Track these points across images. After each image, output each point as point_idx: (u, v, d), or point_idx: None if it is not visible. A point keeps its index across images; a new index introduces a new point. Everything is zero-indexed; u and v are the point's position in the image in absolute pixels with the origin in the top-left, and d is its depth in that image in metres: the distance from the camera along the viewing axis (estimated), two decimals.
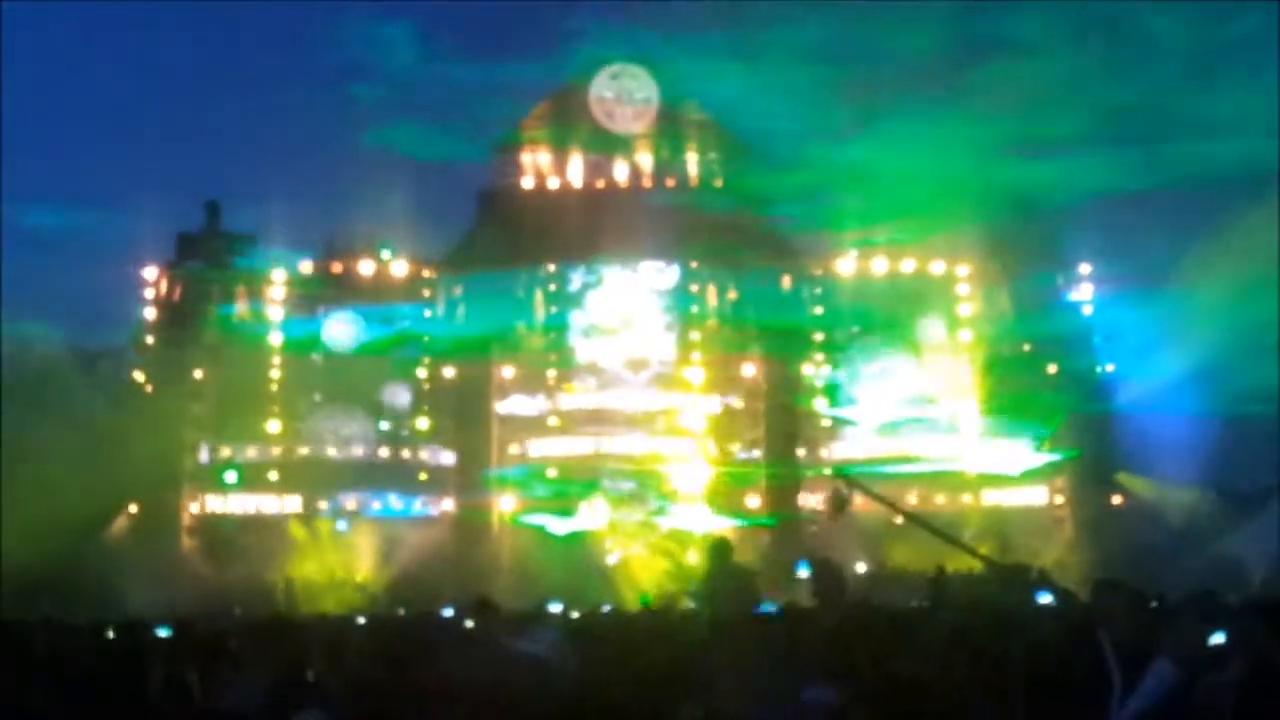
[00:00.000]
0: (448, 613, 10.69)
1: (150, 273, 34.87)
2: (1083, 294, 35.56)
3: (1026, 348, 34.86)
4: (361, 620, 16.71)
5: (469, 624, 9.67)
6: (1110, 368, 34.76)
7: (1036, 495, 34.68)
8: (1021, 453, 34.29)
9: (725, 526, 32.17)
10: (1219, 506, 31.72)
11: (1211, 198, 31.76)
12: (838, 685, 5.58)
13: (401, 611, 15.76)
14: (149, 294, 34.72)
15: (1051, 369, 34.73)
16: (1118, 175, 32.38)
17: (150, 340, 34.51)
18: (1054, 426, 34.19)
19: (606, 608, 15.44)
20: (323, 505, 34.51)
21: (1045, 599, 12.61)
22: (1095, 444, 33.91)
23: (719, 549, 12.07)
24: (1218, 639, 8.46)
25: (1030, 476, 34.39)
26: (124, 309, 34.70)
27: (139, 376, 34.43)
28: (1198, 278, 29.69)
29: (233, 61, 56.49)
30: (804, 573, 10.93)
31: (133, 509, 33.73)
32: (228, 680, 7.36)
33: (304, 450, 34.99)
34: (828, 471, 34.46)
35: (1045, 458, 34.32)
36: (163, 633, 11.71)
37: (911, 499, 32.67)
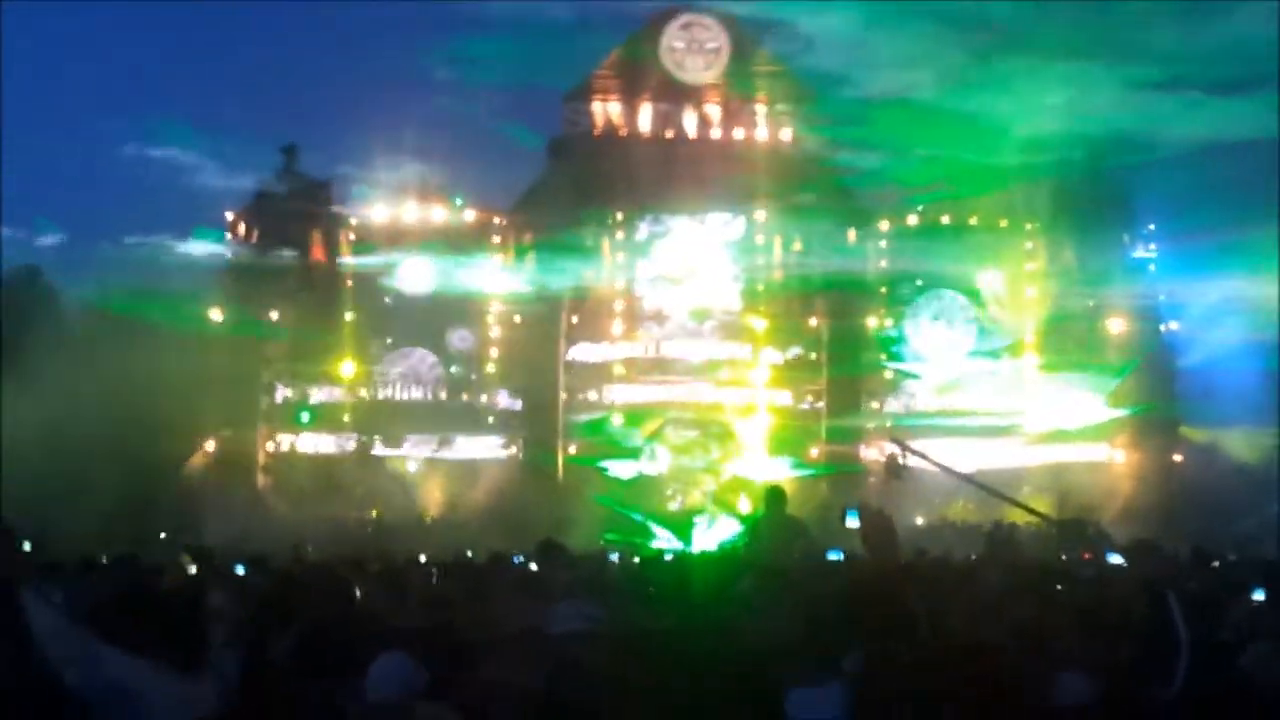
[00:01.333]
0: (518, 559, 11.12)
1: (229, 215, 35.59)
2: (1149, 251, 35.34)
3: (1091, 304, 34.75)
4: (423, 558, 17.22)
5: (534, 567, 10.05)
6: (1175, 325, 34.61)
7: (1097, 451, 34.59)
8: (1083, 408, 34.25)
9: (785, 476, 32.51)
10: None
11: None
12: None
13: (470, 554, 16.25)
14: (228, 236, 35.41)
15: (1116, 325, 34.66)
16: (1188, 128, 31.92)
17: (228, 281, 35.24)
18: (1117, 382, 34.14)
19: (668, 556, 15.86)
20: (393, 446, 35.27)
21: (1115, 559, 12.76)
22: (1158, 400, 33.83)
23: (772, 498, 12.32)
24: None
25: (1091, 432, 34.34)
26: (204, 250, 35.40)
27: (217, 316, 35.21)
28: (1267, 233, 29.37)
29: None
30: (853, 522, 11.07)
31: (210, 446, 34.68)
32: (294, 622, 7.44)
33: (376, 392, 35.80)
34: (889, 424, 34.66)
35: (1107, 413, 34.27)
36: (239, 570, 12.15)
37: (970, 453, 32.86)
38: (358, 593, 7.91)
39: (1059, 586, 9.47)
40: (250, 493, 33.99)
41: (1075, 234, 34.53)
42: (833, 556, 11.32)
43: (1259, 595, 8.27)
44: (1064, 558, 17.02)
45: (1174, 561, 10.81)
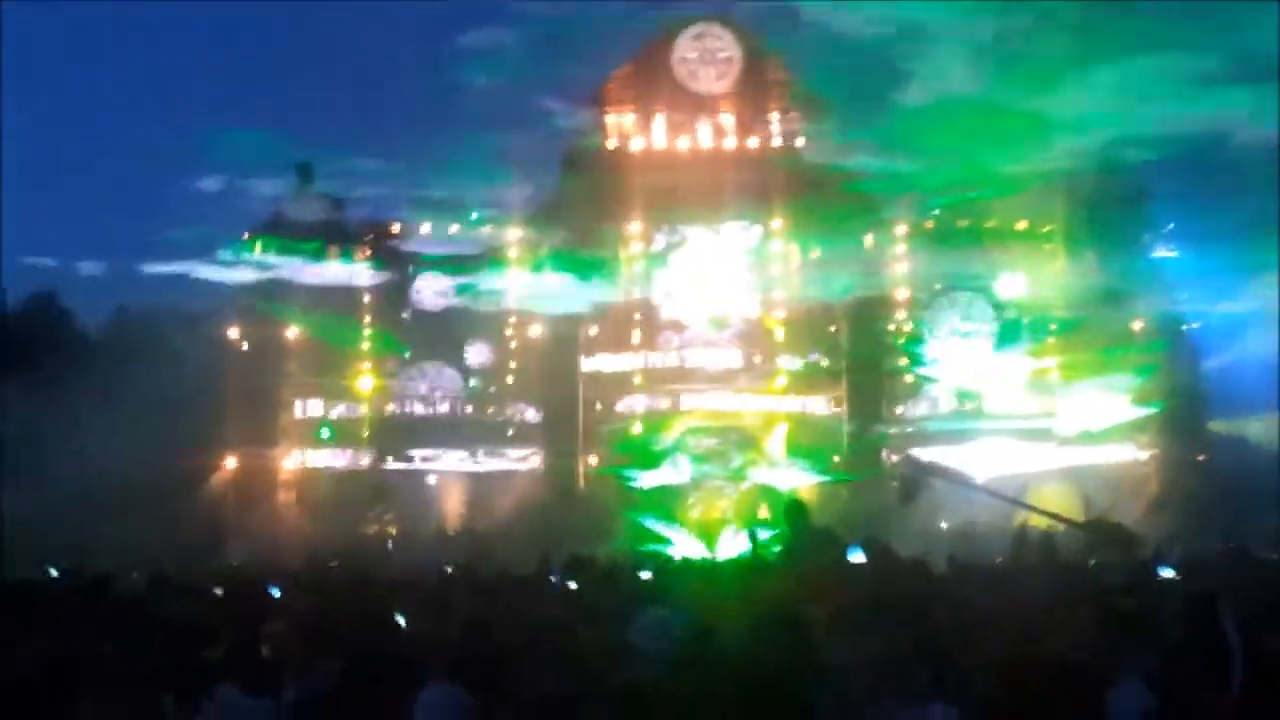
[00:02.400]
0: (554, 574, 11.07)
1: (245, 234, 35.67)
2: (1170, 250, 35.20)
3: (1112, 304, 34.53)
4: (450, 570, 17.18)
5: (572, 585, 10.01)
6: (1197, 324, 34.47)
7: (1122, 452, 34.42)
8: (1107, 409, 34.10)
9: (807, 483, 32.45)
10: None
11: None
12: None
13: (505, 572, 16.22)
14: (244, 255, 35.44)
15: (1138, 325, 34.51)
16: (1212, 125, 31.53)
17: (246, 300, 35.30)
18: (1140, 382, 33.98)
19: (699, 565, 15.83)
20: (413, 461, 35.27)
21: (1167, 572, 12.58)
22: (1183, 398, 33.67)
23: (793, 513, 12.18)
24: None
25: (1115, 433, 34.19)
26: (221, 270, 35.43)
27: (235, 335, 35.30)
28: None
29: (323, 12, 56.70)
30: (857, 556, 10.90)
31: (231, 463, 34.74)
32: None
33: (394, 407, 35.83)
34: (910, 429, 34.56)
35: (1131, 413, 34.11)
36: (275, 593, 12.09)
37: (993, 456, 32.80)
38: (400, 620, 7.84)
39: (1101, 594, 9.40)
40: (271, 509, 34.03)
41: (1095, 234, 34.37)
42: (854, 556, 11.10)
43: None
44: (1092, 562, 16.97)
45: (1232, 570, 10.72)
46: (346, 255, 35.91)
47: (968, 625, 6.87)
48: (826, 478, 33.47)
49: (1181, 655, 6.59)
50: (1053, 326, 35.03)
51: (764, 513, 32.20)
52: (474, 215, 36.00)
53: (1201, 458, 33.70)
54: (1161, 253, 35.13)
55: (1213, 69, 31.13)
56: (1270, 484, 29.43)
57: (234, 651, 6.39)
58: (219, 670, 6.15)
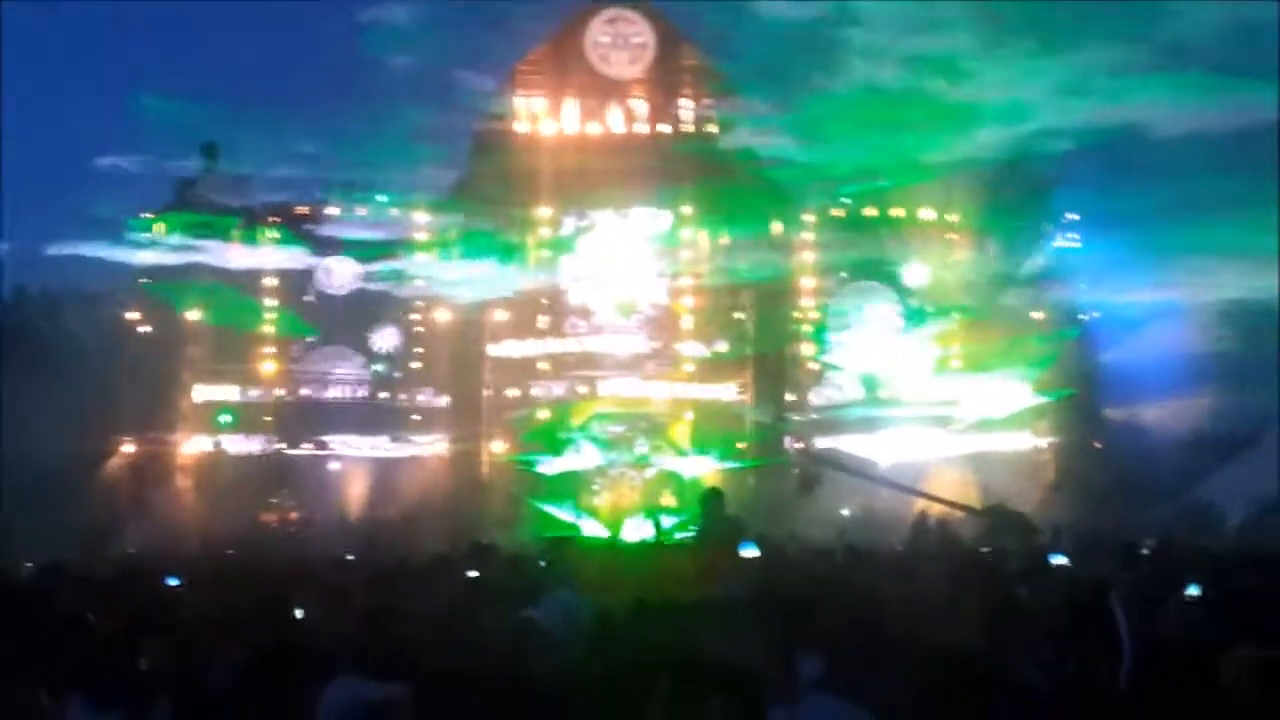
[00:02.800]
0: (458, 563, 11.02)
1: (146, 214, 34.97)
2: (1071, 240, 35.84)
3: (1014, 292, 35.12)
4: (350, 558, 17.04)
5: (473, 574, 9.98)
6: (1095, 314, 35.16)
7: (1021, 439, 35.03)
8: (1008, 396, 34.66)
9: (712, 469, 32.64)
10: (1204, 440, 31.84)
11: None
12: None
13: (407, 559, 16.12)
14: (145, 236, 34.76)
15: (1038, 314, 35.10)
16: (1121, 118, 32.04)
17: (146, 282, 34.65)
18: (1041, 370, 34.59)
19: (603, 547, 15.86)
20: (316, 446, 34.88)
21: (1059, 559, 12.86)
22: (1081, 386, 34.34)
23: (711, 499, 12.28)
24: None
25: (1015, 420, 34.77)
26: (120, 251, 34.70)
27: (134, 317, 34.64)
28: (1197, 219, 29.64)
29: None
30: (749, 552, 10.96)
31: (127, 449, 34.12)
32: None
33: (298, 392, 35.39)
34: (815, 416, 34.90)
35: (1032, 400, 34.71)
36: (173, 583, 11.85)
37: (895, 444, 33.30)
38: (298, 613, 7.74)
39: (997, 582, 9.56)
40: (170, 496, 33.49)
41: (999, 223, 34.90)
42: (746, 551, 11.20)
43: (1194, 590, 8.38)
44: (986, 549, 17.24)
45: (1120, 564, 10.95)
46: (252, 237, 35.39)
47: (863, 614, 6.92)
48: (731, 464, 33.64)
49: (1072, 643, 6.70)
50: (955, 315, 35.51)
51: (668, 499, 32.40)
52: (383, 197, 35.66)
53: (1098, 445, 34.40)
54: (1065, 242, 35.75)
55: (1133, 60, 31.65)
56: (1164, 470, 30.17)
57: (90, 657, 6.06)
58: (79, 676, 5.87)
